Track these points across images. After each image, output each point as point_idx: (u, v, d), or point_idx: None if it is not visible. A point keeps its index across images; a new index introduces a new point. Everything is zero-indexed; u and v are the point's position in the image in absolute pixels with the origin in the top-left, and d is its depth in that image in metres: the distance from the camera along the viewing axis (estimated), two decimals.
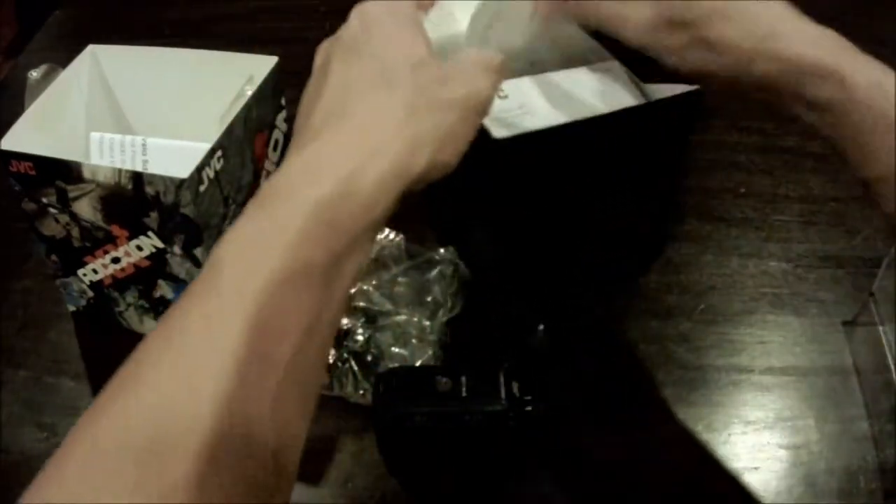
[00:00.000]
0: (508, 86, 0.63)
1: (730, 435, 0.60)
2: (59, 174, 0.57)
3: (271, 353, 0.31)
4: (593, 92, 0.63)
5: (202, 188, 0.56)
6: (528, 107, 0.61)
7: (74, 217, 0.59)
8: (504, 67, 0.42)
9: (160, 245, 0.59)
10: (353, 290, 0.64)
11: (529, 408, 0.53)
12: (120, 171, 0.55)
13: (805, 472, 0.58)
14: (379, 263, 0.65)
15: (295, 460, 0.33)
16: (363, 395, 0.60)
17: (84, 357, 0.67)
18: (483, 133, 0.58)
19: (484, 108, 0.40)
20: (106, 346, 0.68)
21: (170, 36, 0.99)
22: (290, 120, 0.69)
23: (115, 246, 0.60)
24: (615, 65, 0.65)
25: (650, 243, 0.72)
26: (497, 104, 0.61)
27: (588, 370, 0.64)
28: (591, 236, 0.66)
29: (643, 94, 0.63)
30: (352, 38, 0.40)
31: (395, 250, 0.66)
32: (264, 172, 0.67)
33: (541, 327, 0.58)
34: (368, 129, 0.37)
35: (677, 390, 0.63)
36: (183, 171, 0.54)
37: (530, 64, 0.60)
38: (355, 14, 0.41)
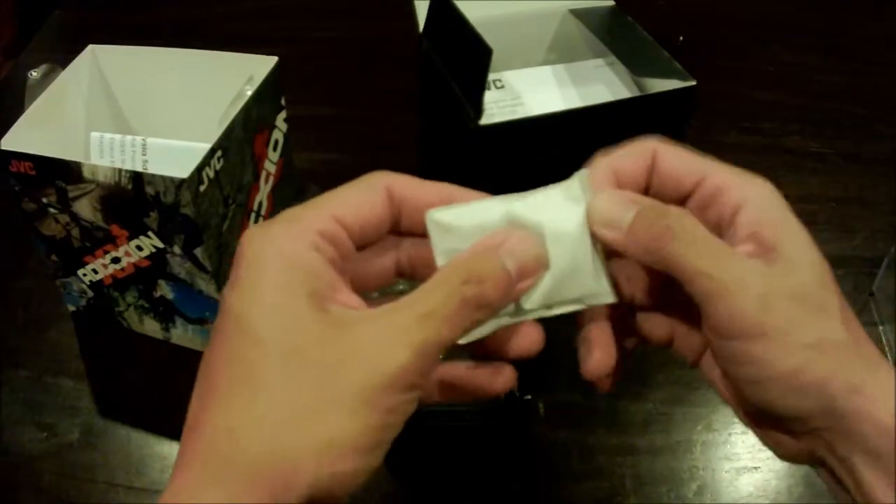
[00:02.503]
0: (504, 77, 0.63)
1: (730, 435, 0.60)
2: (59, 174, 0.57)
3: None
4: (588, 84, 0.63)
5: (202, 188, 0.56)
6: (521, 98, 0.62)
7: (74, 217, 0.59)
8: (442, 331, 0.30)
9: (160, 245, 0.59)
10: None
11: (529, 407, 0.53)
12: (120, 171, 0.55)
13: (805, 471, 0.58)
14: None
15: None
16: None
17: (84, 357, 0.67)
18: (470, 121, 0.59)
19: (394, 384, 0.29)
20: (106, 346, 0.68)
21: (170, 36, 0.99)
22: (289, 120, 0.69)
23: (115, 246, 0.60)
24: (612, 59, 0.65)
25: None
26: (491, 95, 0.62)
27: None
28: None
29: (639, 87, 0.63)
30: (225, 293, 0.30)
31: None
32: (264, 172, 0.67)
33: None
34: (218, 454, 0.28)
35: (677, 390, 0.63)
36: (183, 171, 0.54)
37: None
38: (240, 248, 0.31)
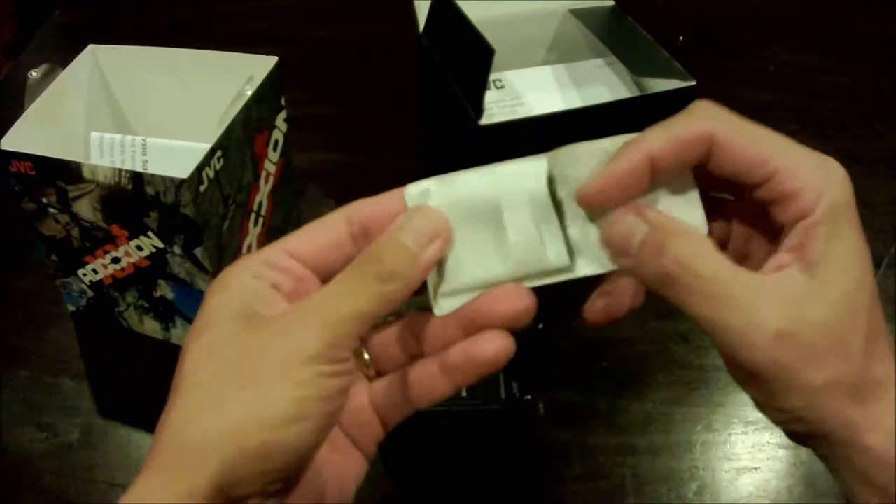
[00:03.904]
0: (504, 77, 0.63)
1: (730, 435, 0.60)
2: (59, 174, 0.57)
3: None
4: (588, 84, 0.63)
5: (202, 188, 0.56)
6: (522, 98, 0.62)
7: (74, 217, 0.59)
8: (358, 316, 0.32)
9: (160, 245, 0.59)
10: None
11: (529, 407, 0.53)
12: (120, 171, 0.55)
13: (805, 472, 0.58)
14: None
15: None
16: None
17: (84, 357, 0.67)
18: (470, 121, 0.59)
19: (310, 357, 0.31)
20: (106, 346, 0.68)
21: (170, 36, 0.99)
22: (289, 120, 0.69)
23: (115, 246, 0.60)
24: (612, 59, 0.66)
25: None
26: (491, 95, 0.62)
27: (588, 370, 0.64)
28: None
29: (639, 87, 0.63)
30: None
31: None
32: (264, 172, 0.67)
33: (540, 326, 0.58)
34: (157, 448, 0.32)
35: (677, 390, 0.63)
36: (183, 171, 0.54)
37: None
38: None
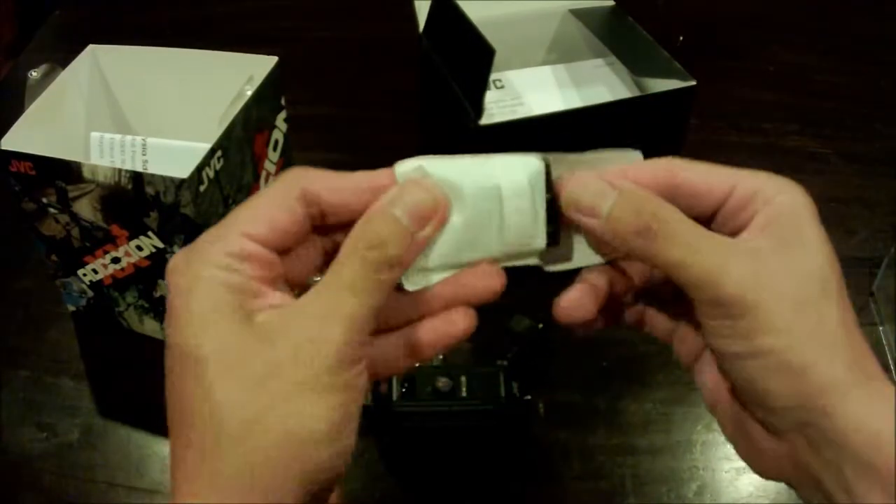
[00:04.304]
0: (504, 77, 0.63)
1: None
2: (59, 174, 0.57)
3: None
4: (588, 84, 0.63)
5: (202, 188, 0.56)
6: (522, 98, 0.62)
7: (74, 217, 0.59)
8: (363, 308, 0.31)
9: (160, 245, 0.59)
10: None
11: (529, 407, 0.53)
12: (120, 171, 0.55)
13: None
14: None
15: None
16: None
17: (84, 357, 0.67)
18: (470, 121, 0.59)
19: (338, 363, 0.30)
20: (106, 346, 0.68)
21: (170, 36, 0.99)
22: (289, 120, 0.69)
23: (115, 246, 0.60)
24: (612, 59, 0.66)
25: None
26: (491, 95, 0.62)
27: (588, 370, 0.64)
28: None
29: (639, 87, 0.63)
30: (166, 327, 0.32)
31: None
32: (264, 172, 0.67)
33: (540, 326, 0.58)
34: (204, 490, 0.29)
35: (677, 390, 0.63)
36: (183, 171, 0.54)
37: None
38: (168, 278, 0.32)
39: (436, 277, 0.35)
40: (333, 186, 0.33)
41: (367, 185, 0.33)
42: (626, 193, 0.33)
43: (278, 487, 0.29)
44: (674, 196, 0.34)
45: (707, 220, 0.35)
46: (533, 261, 0.36)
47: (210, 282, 0.31)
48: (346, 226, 0.33)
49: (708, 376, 0.36)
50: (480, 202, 0.35)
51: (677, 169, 0.35)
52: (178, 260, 0.32)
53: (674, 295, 0.37)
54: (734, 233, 0.34)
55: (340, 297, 0.31)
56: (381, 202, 0.33)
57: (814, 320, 0.31)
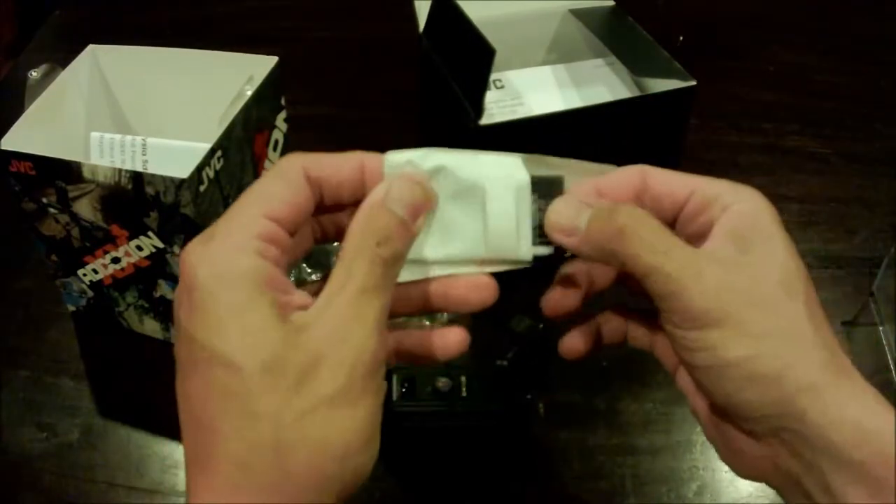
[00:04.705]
0: (504, 77, 0.63)
1: None
2: (59, 174, 0.57)
3: None
4: (588, 84, 0.63)
5: (202, 188, 0.56)
6: (522, 98, 0.62)
7: (74, 217, 0.59)
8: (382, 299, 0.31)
9: (160, 245, 0.59)
10: None
11: (529, 407, 0.53)
12: (120, 171, 0.55)
13: None
14: None
15: None
16: None
17: (84, 357, 0.67)
18: (471, 121, 0.59)
19: (373, 367, 0.30)
20: (106, 346, 0.68)
21: (170, 36, 0.99)
22: (289, 120, 0.69)
23: (115, 246, 0.60)
24: (612, 59, 0.66)
25: None
26: (491, 95, 0.62)
27: (588, 370, 0.64)
28: None
29: (639, 87, 0.63)
30: (182, 321, 0.30)
31: None
32: (264, 172, 0.67)
33: (540, 326, 0.58)
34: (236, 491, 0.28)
35: (677, 390, 0.63)
36: (183, 171, 0.54)
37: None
38: (186, 273, 0.30)
39: (420, 273, 0.35)
40: (332, 164, 0.34)
41: (359, 163, 0.34)
42: (599, 207, 0.34)
43: (316, 496, 0.29)
44: (642, 202, 0.35)
45: (670, 225, 0.35)
46: (519, 267, 0.37)
47: (241, 273, 0.29)
48: (336, 208, 0.34)
49: (686, 381, 0.37)
50: (467, 199, 0.35)
51: (645, 175, 0.36)
52: (196, 248, 0.30)
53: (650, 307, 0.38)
54: (692, 238, 0.34)
55: (364, 299, 0.30)
56: (376, 197, 0.33)
57: (782, 325, 0.31)
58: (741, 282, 0.32)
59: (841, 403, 0.30)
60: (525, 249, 0.36)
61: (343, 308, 0.30)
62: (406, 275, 0.35)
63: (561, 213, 0.35)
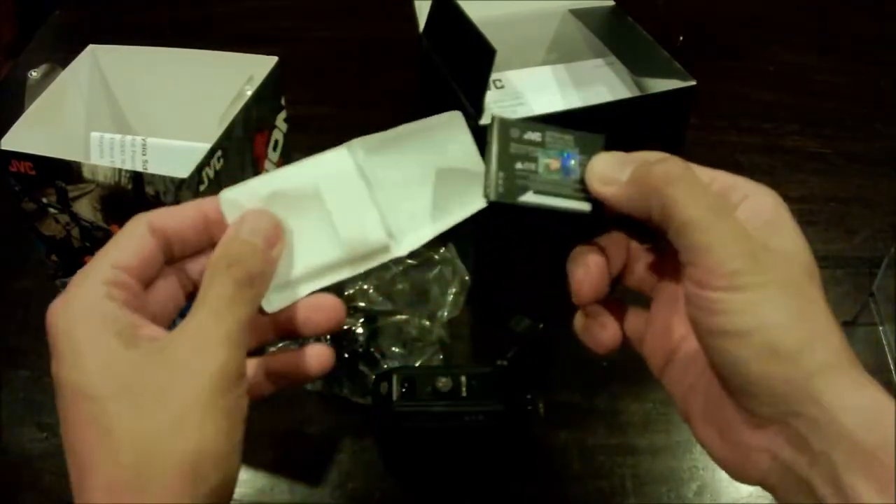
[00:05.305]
0: (504, 77, 0.63)
1: None
2: (59, 174, 0.57)
3: None
4: (588, 84, 0.63)
5: (202, 188, 0.56)
6: (522, 98, 0.62)
7: (74, 217, 0.59)
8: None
9: None
10: (352, 291, 0.64)
11: (529, 408, 0.53)
12: (120, 171, 0.55)
13: None
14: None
15: None
16: (363, 395, 0.60)
17: None
18: (471, 121, 0.59)
19: (224, 381, 0.32)
20: None
21: (170, 36, 0.99)
22: (290, 120, 0.69)
23: None
24: (612, 59, 0.66)
25: None
26: (491, 95, 0.62)
27: (588, 370, 0.64)
28: (587, 234, 0.66)
29: (639, 87, 0.63)
30: (53, 369, 0.32)
31: None
32: (264, 172, 0.67)
33: (540, 326, 0.58)
34: None
35: None
36: (183, 171, 0.54)
37: None
38: (50, 326, 0.33)
39: (290, 297, 0.37)
40: (172, 213, 0.36)
41: (198, 208, 0.36)
42: (647, 157, 0.35)
43: None
44: None
45: None
46: (388, 256, 0.38)
47: (89, 313, 0.32)
48: (194, 257, 0.37)
49: (677, 379, 0.37)
50: (309, 208, 0.36)
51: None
52: (56, 305, 0.33)
53: (650, 285, 0.39)
54: None
55: (212, 318, 0.32)
56: (230, 231, 0.35)
57: (804, 304, 0.32)
58: (772, 258, 0.32)
59: (854, 392, 0.30)
60: (375, 236, 0.37)
61: (193, 329, 0.32)
62: (278, 302, 0.36)
63: (606, 161, 0.36)
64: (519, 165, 0.36)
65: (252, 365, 0.38)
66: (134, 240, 0.35)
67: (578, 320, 0.40)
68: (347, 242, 0.37)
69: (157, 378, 0.31)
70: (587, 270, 0.37)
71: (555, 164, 0.36)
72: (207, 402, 0.31)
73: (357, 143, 0.38)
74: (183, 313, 0.35)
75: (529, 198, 0.36)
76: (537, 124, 0.37)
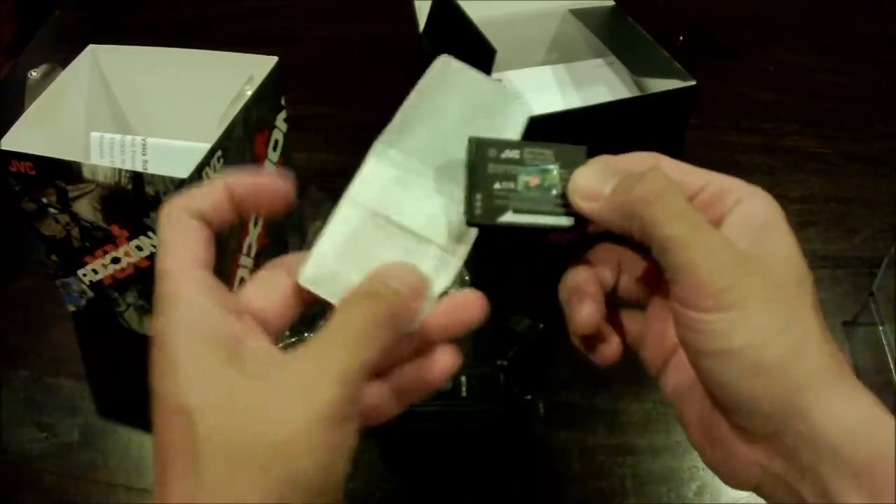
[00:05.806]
0: (504, 77, 0.63)
1: None
2: (59, 174, 0.57)
3: None
4: (589, 84, 0.63)
5: None
6: (522, 98, 0.62)
7: (74, 217, 0.59)
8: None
9: None
10: None
11: (529, 407, 0.53)
12: (120, 171, 0.55)
13: None
14: None
15: None
16: None
17: (84, 357, 0.67)
18: None
19: (330, 419, 0.29)
20: (106, 346, 0.68)
21: (170, 36, 0.99)
22: (289, 120, 0.69)
23: (115, 246, 0.60)
24: (612, 59, 0.66)
25: None
26: None
27: (588, 370, 0.64)
28: (587, 234, 0.66)
29: (639, 87, 0.63)
30: (155, 381, 0.31)
31: None
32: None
33: (540, 326, 0.58)
34: None
35: None
36: (183, 171, 0.54)
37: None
38: (154, 335, 0.32)
39: (431, 306, 0.35)
40: (202, 196, 0.34)
41: (223, 188, 0.34)
42: (627, 174, 0.34)
43: None
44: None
45: None
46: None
47: (195, 325, 0.31)
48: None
49: (674, 383, 0.37)
50: (378, 237, 0.36)
51: (660, 162, 0.36)
52: (161, 312, 0.32)
53: (645, 294, 0.38)
54: None
55: (336, 351, 0.30)
56: (373, 275, 0.33)
57: (792, 318, 0.31)
58: (757, 269, 0.32)
59: (843, 404, 0.30)
60: (454, 216, 0.36)
61: (311, 357, 0.30)
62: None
63: (588, 176, 0.35)
64: (497, 185, 0.35)
65: (377, 388, 0.34)
66: (192, 233, 0.33)
67: (576, 337, 0.39)
68: (435, 238, 0.36)
69: (257, 400, 0.29)
70: (585, 308, 0.37)
71: (535, 180, 0.36)
72: (309, 435, 0.28)
73: (380, 145, 0.37)
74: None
75: (509, 217, 0.35)
76: (515, 141, 0.36)
